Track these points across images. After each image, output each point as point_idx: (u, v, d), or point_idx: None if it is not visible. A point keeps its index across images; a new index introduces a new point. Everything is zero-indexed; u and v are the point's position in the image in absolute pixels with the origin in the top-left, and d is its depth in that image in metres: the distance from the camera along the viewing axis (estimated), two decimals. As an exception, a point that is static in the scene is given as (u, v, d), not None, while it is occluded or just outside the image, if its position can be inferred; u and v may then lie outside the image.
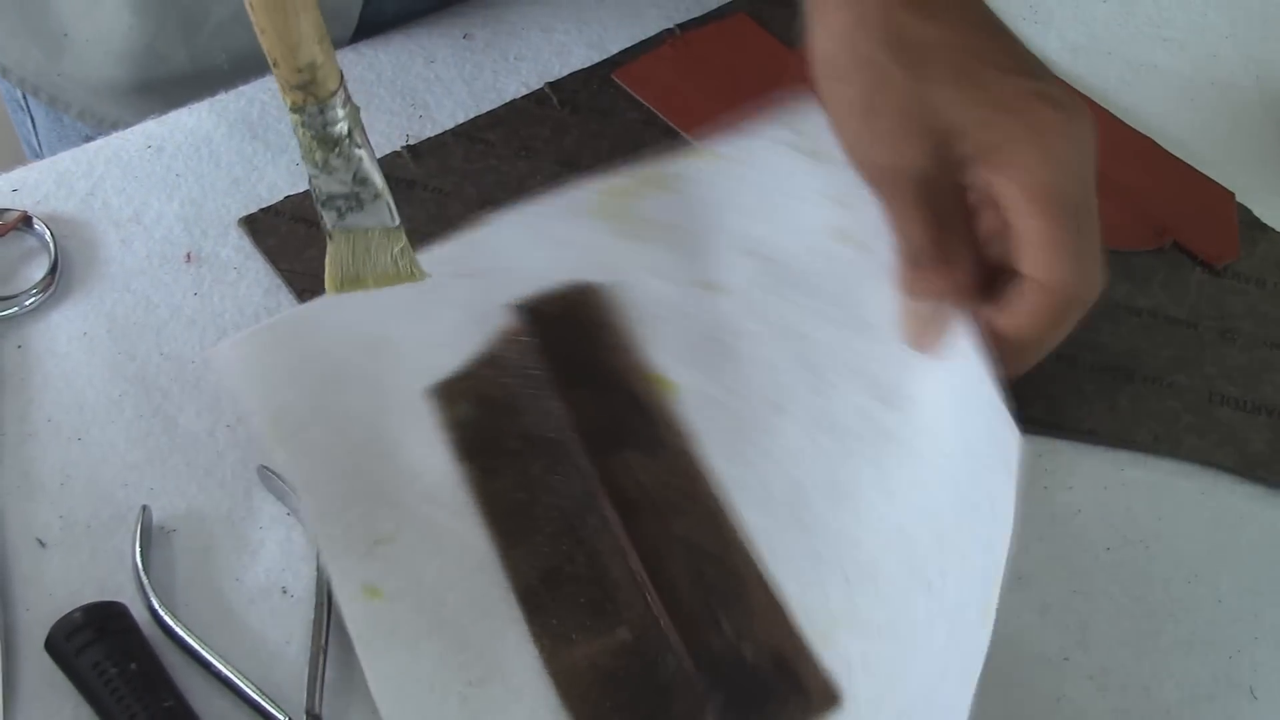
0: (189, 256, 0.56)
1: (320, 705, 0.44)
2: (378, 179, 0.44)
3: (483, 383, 0.51)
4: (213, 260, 0.56)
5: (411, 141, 0.61)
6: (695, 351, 0.52)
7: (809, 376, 0.51)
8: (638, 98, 0.65)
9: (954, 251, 0.46)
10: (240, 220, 0.57)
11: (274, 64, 0.40)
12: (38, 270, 0.55)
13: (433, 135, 0.62)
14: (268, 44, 0.40)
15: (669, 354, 0.52)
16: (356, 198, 0.44)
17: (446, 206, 0.59)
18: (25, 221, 0.56)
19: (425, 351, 0.51)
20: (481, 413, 0.50)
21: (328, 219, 0.44)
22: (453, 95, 0.64)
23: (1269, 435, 0.55)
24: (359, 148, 0.43)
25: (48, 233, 0.55)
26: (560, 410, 0.50)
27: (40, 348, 0.53)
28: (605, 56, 0.67)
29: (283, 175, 0.60)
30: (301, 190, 0.59)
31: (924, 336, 0.48)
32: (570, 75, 0.65)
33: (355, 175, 0.43)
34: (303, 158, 0.43)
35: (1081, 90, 0.69)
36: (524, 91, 0.64)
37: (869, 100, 0.46)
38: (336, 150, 0.43)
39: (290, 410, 0.49)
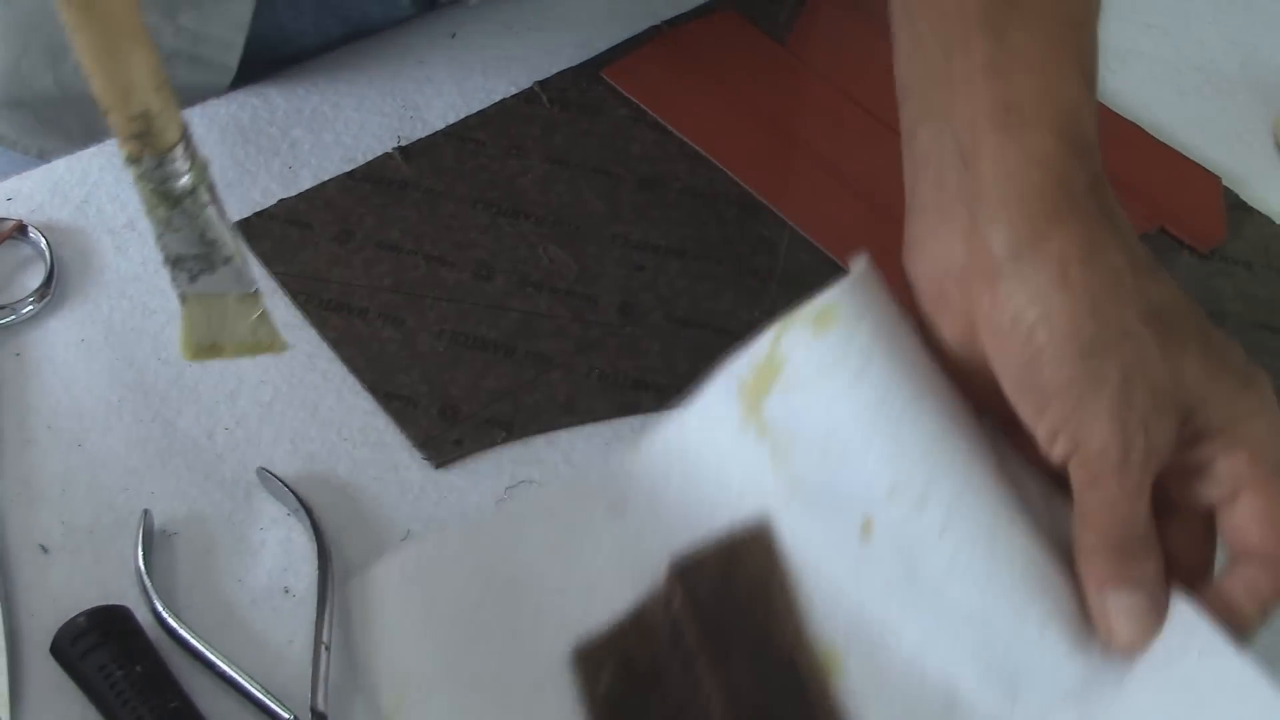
0: (184, 261, 0.56)
1: (325, 703, 0.44)
2: (228, 241, 0.41)
3: (628, 649, 0.45)
4: (208, 265, 0.56)
5: (403, 143, 0.62)
6: (864, 622, 0.45)
7: (986, 674, 0.43)
8: (626, 95, 0.65)
9: (1154, 534, 0.42)
10: (234, 224, 0.58)
11: (105, 111, 0.38)
12: (34, 278, 0.55)
13: (424, 136, 0.62)
14: (97, 89, 0.37)
15: (834, 623, 0.45)
16: (207, 259, 0.41)
17: (439, 206, 0.59)
18: (20, 230, 0.56)
19: (569, 605, 0.46)
20: (625, 685, 0.45)
21: (177, 281, 0.41)
22: (443, 96, 0.64)
23: (1259, 416, 0.55)
24: (206, 206, 0.40)
25: (43, 241, 0.56)
26: (712, 687, 0.44)
27: (38, 355, 0.53)
28: (594, 54, 0.67)
29: (275, 179, 0.60)
30: (295, 193, 0.59)
31: (1136, 632, 0.42)
32: (559, 74, 0.66)
33: (202, 235, 0.41)
34: (145, 213, 0.40)
35: (1067, 78, 0.69)
36: (514, 91, 0.65)
37: (1127, 377, 0.41)
38: (179, 208, 0.40)
39: (415, 675, 0.45)
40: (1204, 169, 0.65)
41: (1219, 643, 0.40)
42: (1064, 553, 0.43)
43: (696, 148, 0.63)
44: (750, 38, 0.69)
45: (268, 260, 0.56)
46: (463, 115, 0.63)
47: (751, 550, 0.46)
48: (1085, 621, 0.42)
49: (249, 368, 0.53)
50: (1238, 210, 0.63)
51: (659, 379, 0.54)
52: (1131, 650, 0.42)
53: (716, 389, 0.48)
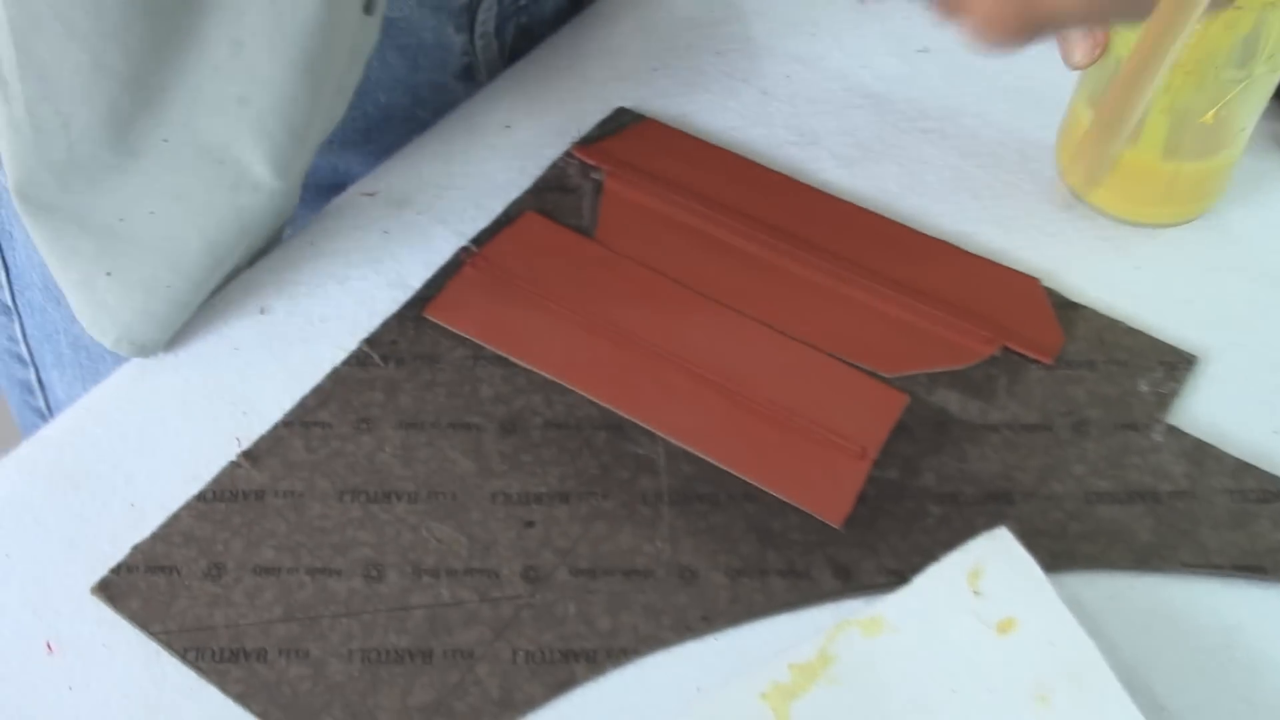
0: (49, 646, 0.52)
1: None
2: None
3: None
4: (76, 642, 0.52)
5: (245, 445, 0.58)
6: None
7: None
8: (457, 331, 0.63)
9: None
10: (93, 588, 0.53)
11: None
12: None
13: (265, 432, 0.59)
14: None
15: None
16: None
17: (305, 508, 0.56)
18: None
19: None
20: None
21: None
22: (272, 380, 0.61)
23: (1151, 522, 0.57)
24: None
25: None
26: None
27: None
28: (410, 294, 0.65)
29: (121, 523, 0.55)
30: (149, 534, 0.55)
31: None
32: (383, 325, 0.63)
33: None
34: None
35: (864, 204, 0.70)
36: (341, 355, 0.62)
37: None
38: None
39: None
40: (1021, 273, 0.67)
41: None
42: None
43: (545, 374, 0.61)
44: (560, 237, 0.68)
45: (142, 622, 0.52)
46: (297, 398, 0.60)
47: None
48: None
49: (158, 753, 0.49)
50: (1064, 309, 0.66)
51: (585, 644, 0.52)
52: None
53: (730, 698, 0.50)
